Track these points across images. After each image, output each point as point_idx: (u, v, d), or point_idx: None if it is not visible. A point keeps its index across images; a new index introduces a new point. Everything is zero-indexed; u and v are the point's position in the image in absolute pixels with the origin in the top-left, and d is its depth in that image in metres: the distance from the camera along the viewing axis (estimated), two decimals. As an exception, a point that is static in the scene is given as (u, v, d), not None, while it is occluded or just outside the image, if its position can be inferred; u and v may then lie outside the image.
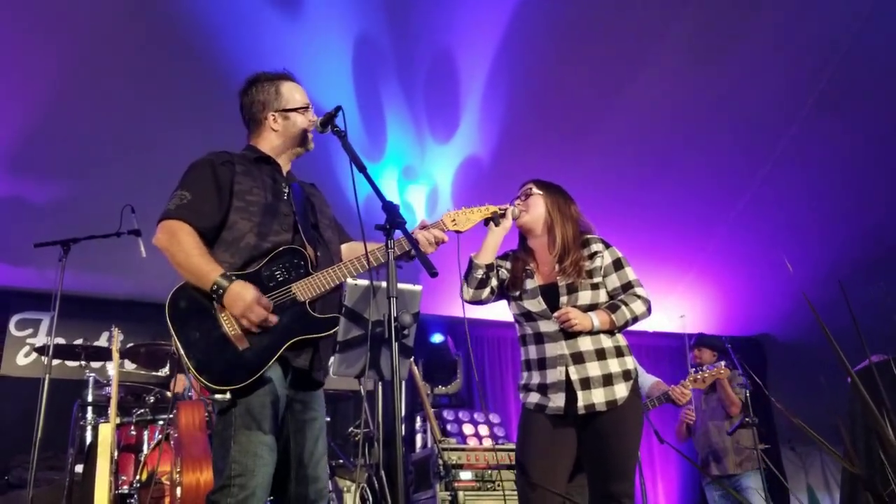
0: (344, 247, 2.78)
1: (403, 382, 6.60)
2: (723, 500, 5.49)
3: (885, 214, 6.79)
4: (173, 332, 2.28)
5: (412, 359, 5.00)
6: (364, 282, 2.17)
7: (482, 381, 7.37)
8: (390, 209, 2.12)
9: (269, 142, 2.69)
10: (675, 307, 8.05)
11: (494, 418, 6.19)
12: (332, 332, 2.36)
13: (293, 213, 2.56)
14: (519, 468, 2.98)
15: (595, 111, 6.16)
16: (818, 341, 7.79)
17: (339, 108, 2.46)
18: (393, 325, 1.97)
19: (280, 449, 2.36)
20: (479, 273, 3.02)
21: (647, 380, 4.61)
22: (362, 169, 2.27)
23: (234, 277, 2.32)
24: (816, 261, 7.27)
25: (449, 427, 5.99)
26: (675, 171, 6.76)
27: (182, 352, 2.25)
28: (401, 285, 2.11)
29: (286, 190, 2.62)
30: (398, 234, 2.24)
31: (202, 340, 2.28)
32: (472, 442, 5.86)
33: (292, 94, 2.71)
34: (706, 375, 4.66)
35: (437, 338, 6.93)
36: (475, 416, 6.24)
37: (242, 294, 2.28)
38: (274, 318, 2.32)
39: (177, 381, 4.78)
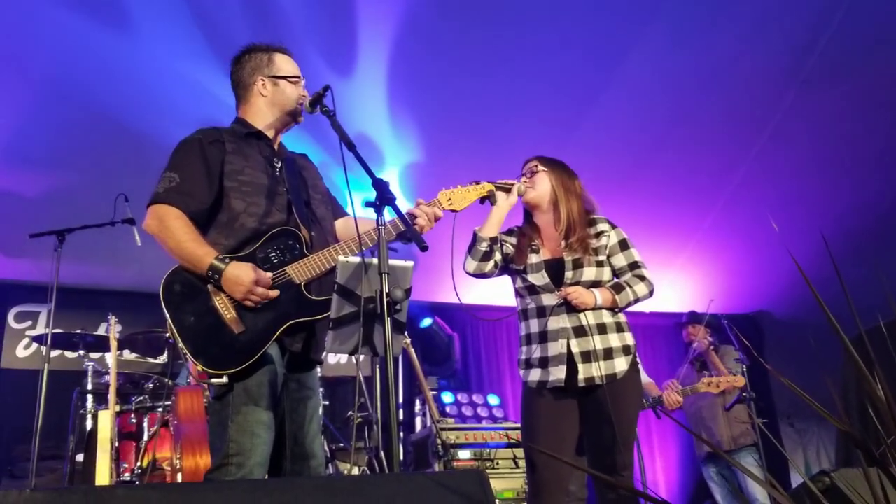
0: (339, 223, 2.76)
1: (401, 366, 6.69)
2: (719, 477, 5.52)
3: (881, 187, 6.80)
4: (168, 317, 2.28)
5: (409, 341, 5.06)
6: (355, 259, 2.17)
7: (478, 363, 7.39)
8: (380, 186, 2.13)
9: (258, 111, 2.65)
10: (671, 285, 8.08)
11: (493, 399, 6.22)
12: (327, 314, 2.35)
13: (286, 191, 2.54)
14: (525, 447, 3.00)
15: (584, 92, 6.16)
16: (815, 318, 7.77)
17: (327, 88, 2.46)
18: (385, 300, 1.98)
19: (276, 426, 2.36)
20: (484, 246, 3.06)
21: (643, 379, 4.66)
22: (351, 147, 2.27)
23: (228, 259, 2.31)
24: (814, 236, 7.27)
25: (448, 409, 6.01)
26: (669, 149, 6.75)
27: (178, 336, 2.25)
28: (392, 261, 2.12)
29: (279, 165, 2.61)
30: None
31: (197, 324, 2.28)
32: (472, 424, 5.90)
33: (285, 64, 2.70)
34: (721, 381, 4.74)
35: (426, 321, 6.95)
36: (474, 397, 6.26)
37: (241, 277, 2.27)
38: (274, 293, 2.32)
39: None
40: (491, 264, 3.09)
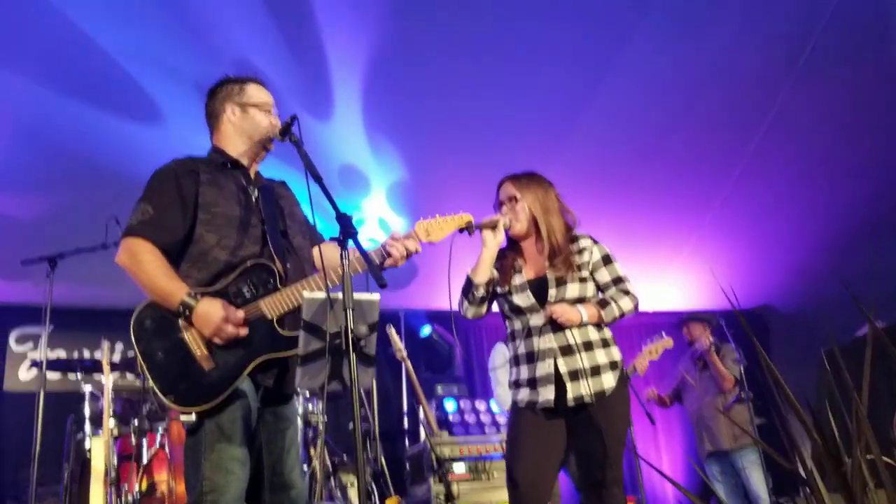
0: (317, 251, 2.75)
1: (404, 375, 6.68)
2: (723, 476, 5.50)
3: (879, 178, 6.75)
4: (137, 353, 2.27)
5: (405, 354, 5.06)
6: (320, 294, 2.16)
7: (482, 369, 7.38)
8: (343, 220, 2.12)
9: (228, 138, 2.64)
10: (673, 284, 8.05)
11: (496, 406, 6.20)
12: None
13: (261, 222, 2.52)
14: (509, 466, 2.98)
15: (576, 96, 6.14)
16: (819, 311, 7.80)
17: (294, 117, 2.46)
18: (350, 336, 1.97)
19: (253, 458, 2.35)
20: (481, 292, 3.03)
21: None
22: (318, 179, 2.26)
23: (199, 296, 2.30)
24: (814, 229, 7.24)
25: (451, 417, 6.01)
26: (665, 148, 6.73)
27: (146, 372, 2.25)
28: (357, 295, 2.11)
29: (255, 195, 2.59)
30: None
31: (167, 361, 2.27)
32: (475, 432, 5.91)
33: (257, 93, 2.69)
34: (657, 346, 4.78)
35: (426, 330, 6.96)
36: (476, 404, 6.25)
37: (210, 314, 2.26)
38: (245, 331, 2.30)
39: None
40: (486, 306, 3.10)
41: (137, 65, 5.24)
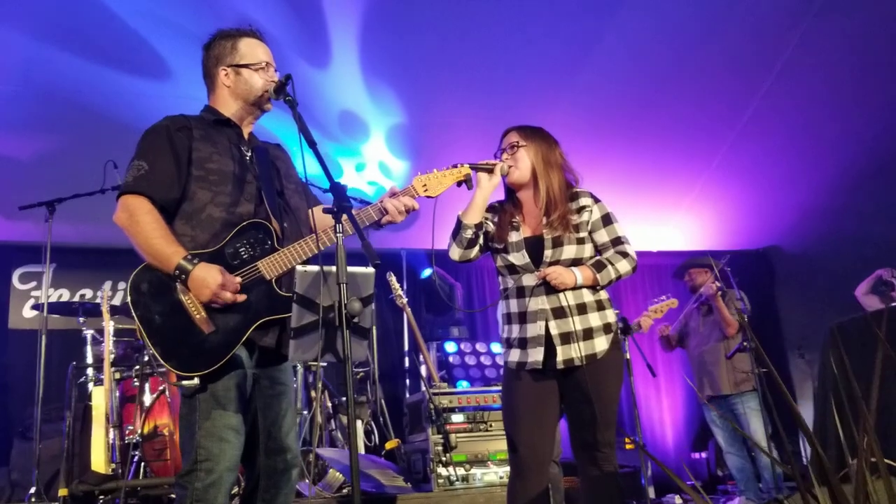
0: (313, 211, 2.70)
1: (404, 318, 6.71)
2: (720, 420, 5.55)
3: (890, 118, 6.62)
4: (136, 318, 2.23)
5: (406, 301, 5.05)
6: (314, 267, 2.12)
7: (484, 312, 7.41)
8: (337, 191, 2.06)
9: (224, 101, 2.57)
10: (680, 224, 8.00)
11: (497, 348, 6.23)
12: None
13: (256, 180, 2.46)
14: (507, 432, 2.97)
15: (584, 36, 5.99)
16: (824, 252, 7.76)
17: (288, 77, 2.38)
18: (343, 313, 1.94)
19: (248, 422, 2.35)
20: (469, 234, 2.94)
21: None
22: (312, 144, 2.19)
23: (196, 260, 2.25)
24: (822, 170, 7.14)
25: (451, 360, 6.04)
26: (677, 89, 6.61)
27: (146, 339, 2.22)
28: (352, 268, 2.06)
29: (248, 154, 2.53)
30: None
31: (166, 326, 2.24)
32: (475, 374, 5.96)
33: (251, 50, 2.57)
34: (662, 306, 4.79)
35: (427, 272, 6.95)
36: (477, 346, 6.28)
37: (207, 280, 2.22)
38: (242, 297, 2.27)
39: None
40: (476, 250, 3.00)
41: (137, 18, 5.22)
